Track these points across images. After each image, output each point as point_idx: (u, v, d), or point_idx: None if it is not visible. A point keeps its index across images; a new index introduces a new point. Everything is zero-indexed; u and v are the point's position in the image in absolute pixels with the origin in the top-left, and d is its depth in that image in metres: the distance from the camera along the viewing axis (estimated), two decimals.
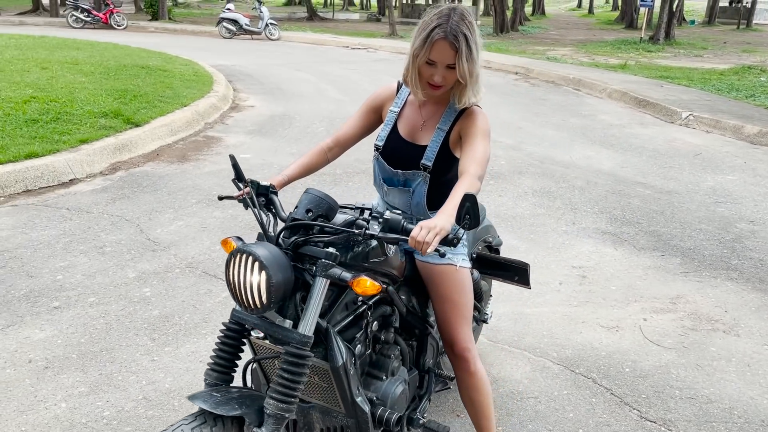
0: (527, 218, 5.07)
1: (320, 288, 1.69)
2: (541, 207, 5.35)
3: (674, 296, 3.87)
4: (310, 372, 1.85)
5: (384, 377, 2.06)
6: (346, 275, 1.67)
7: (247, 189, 1.91)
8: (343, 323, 1.86)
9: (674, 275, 4.15)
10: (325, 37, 19.74)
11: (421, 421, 2.18)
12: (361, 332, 1.95)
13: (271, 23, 19.11)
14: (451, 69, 1.93)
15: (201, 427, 1.56)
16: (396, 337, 2.17)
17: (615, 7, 42.89)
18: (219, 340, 1.80)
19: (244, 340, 1.84)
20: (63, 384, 2.78)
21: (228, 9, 19.28)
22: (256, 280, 1.61)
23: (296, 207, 1.81)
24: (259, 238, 1.81)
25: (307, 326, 1.67)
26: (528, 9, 37.73)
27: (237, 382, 1.86)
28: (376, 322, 2.03)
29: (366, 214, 1.81)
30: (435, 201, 2.12)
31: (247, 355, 1.94)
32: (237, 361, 1.83)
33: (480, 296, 2.69)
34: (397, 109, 2.19)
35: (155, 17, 24.19)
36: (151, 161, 6.19)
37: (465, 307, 2.23)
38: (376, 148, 2.18)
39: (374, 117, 2.25)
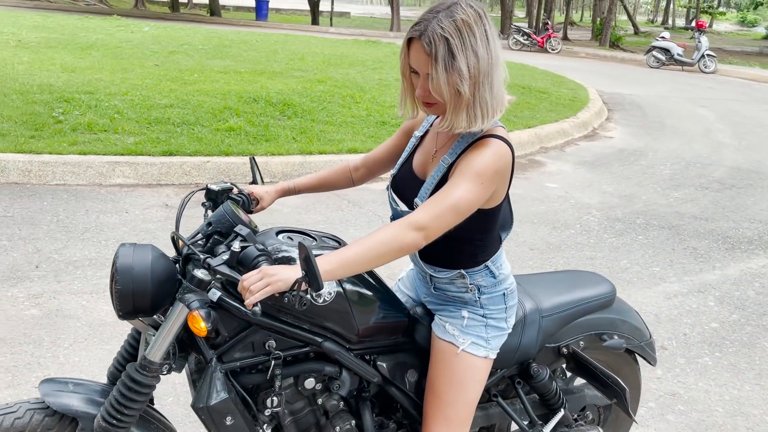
0: None
1: (176, 312, 1.46)
2: None
3: None
4: None
5: None
6: (194, 305, 1.40)
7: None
8: (240, 362, 1.58)
9: None
10: None
11: None
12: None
13: (708, 54, 17.20)
14: None
15: (36, 412, 1.53)
16: (362, 409, 1.74)
17: None
18: (127, 338, 1.73)
19: None
20: None
21: (662, 37, 18.12)
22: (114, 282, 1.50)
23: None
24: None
25: (153, 350, 1.47)
26: None
27: None
28: (312, 380, 1.65)
29: (238, 241, 1.48)
30: (429, 250, 1.60)
31: None
32: None
33: (555, 402, 1.94)
34: (420, 134, 1.75)
35: (609, 44, 24.15)
36: None
37: (450, 405, 1.66)
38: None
39: (405, 142, 1.83)
